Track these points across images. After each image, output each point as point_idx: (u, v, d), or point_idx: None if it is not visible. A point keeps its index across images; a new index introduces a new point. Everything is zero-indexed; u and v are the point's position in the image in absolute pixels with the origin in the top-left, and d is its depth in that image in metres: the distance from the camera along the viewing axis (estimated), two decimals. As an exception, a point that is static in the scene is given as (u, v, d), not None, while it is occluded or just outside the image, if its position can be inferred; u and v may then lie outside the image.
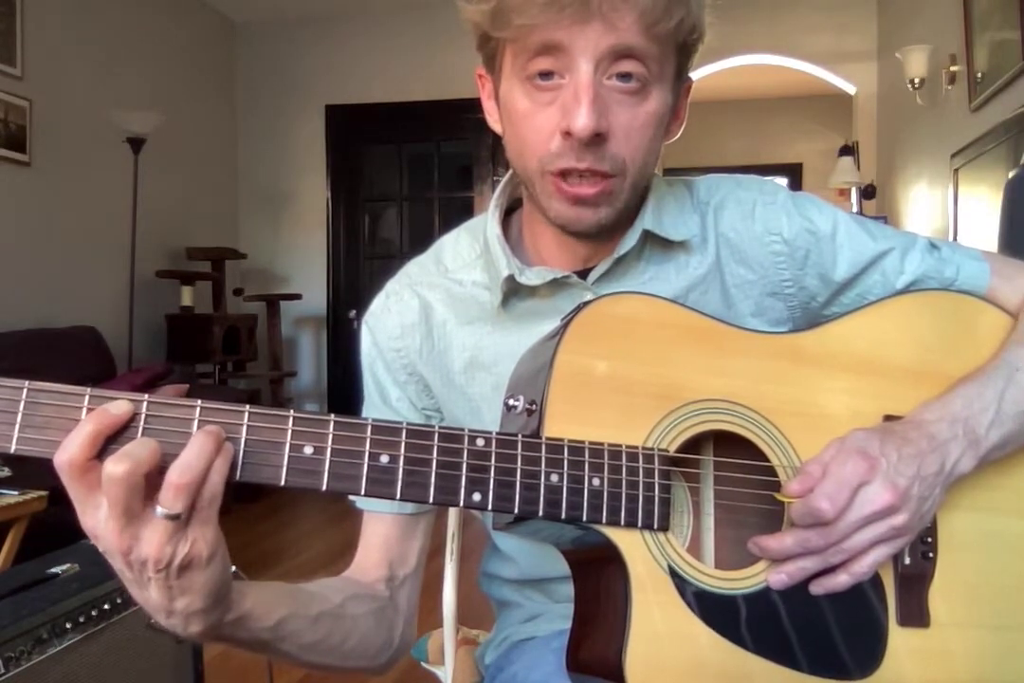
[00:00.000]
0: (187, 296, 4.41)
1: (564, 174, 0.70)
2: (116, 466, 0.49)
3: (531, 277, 0.78)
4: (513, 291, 0.80)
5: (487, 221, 0.83)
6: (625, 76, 0.68)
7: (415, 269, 0.88)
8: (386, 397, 0.86)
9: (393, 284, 0.88)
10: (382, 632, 0.78)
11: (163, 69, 4.60)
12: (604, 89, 0.68)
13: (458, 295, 0.84)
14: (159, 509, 0.51)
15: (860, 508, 0.62)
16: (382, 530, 0.83)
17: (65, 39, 3.90)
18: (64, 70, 3.89)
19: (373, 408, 0.86)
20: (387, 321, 0.85)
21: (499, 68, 0.74)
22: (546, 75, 0.69)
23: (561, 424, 0.61)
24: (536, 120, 0.70)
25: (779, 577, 0.63)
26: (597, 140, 0.68)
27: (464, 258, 0.85)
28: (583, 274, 0.79)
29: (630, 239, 0.77)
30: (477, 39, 0.73)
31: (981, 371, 0.72)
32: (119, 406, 0.51)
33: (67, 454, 0.50)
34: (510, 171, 0.82)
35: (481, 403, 0.82)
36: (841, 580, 0.64)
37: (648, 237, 0.79)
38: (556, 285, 0.79)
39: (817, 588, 0.64)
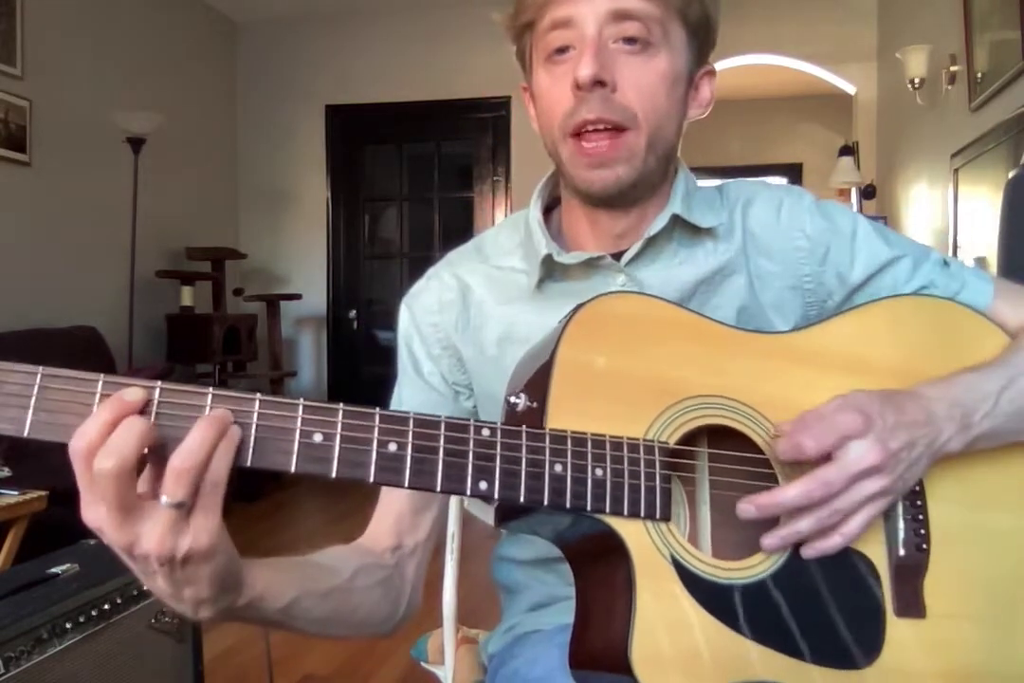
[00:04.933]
0: (187, 296, 4.41)
1: (580, 133, 0.76)
2: (105, 461, 0.49)
3: (567, 257, 0.82)
4: (548, 273, 0.84)
5: (529, 211, 0.88)
6: (630, 40, 0.76)
7: (456, 256, 0.93)
8: (419, 369, 0.89)
9: (434, 269, 0.92)
10: (388, 602, 0.80)
11: (163, 69, 4.60)
12: (610, 49, 0.76)
13: (497, 278, 0.88)
14: (163, 498, 0.51)
15: (851, 465, 0.63)
16: (397, 500, 0.85)
17: (65, 39, 3.90)
18: (64, 70, 3.89)
19: (407, 379, 0.90)
20: (426, 299, 0.90)
21: (530, 65, 0.82)
22: (561, 51, 0.77)
23: (563, 417, 0.62)
24: (554, 91, 0.78)
25: (772, 540, 0.64)
26: (602, 90, 0.75)
27: (504, 247, 0.90)
28: (617, 257, 0.82)
29: (660, 220, 0.81)
30: (514, 44, 0.84)
31: (985, 366, 0.74)
32: (133, 393, 0.52)
33: (84, 440, 0.50)
34: (552, 170, 0.87)
35: None
36: (834, 541, 0.65)
37: (677, 222, 0.82)
38: (590, 267, 0.83)
39: (810, 551, 0.65)
